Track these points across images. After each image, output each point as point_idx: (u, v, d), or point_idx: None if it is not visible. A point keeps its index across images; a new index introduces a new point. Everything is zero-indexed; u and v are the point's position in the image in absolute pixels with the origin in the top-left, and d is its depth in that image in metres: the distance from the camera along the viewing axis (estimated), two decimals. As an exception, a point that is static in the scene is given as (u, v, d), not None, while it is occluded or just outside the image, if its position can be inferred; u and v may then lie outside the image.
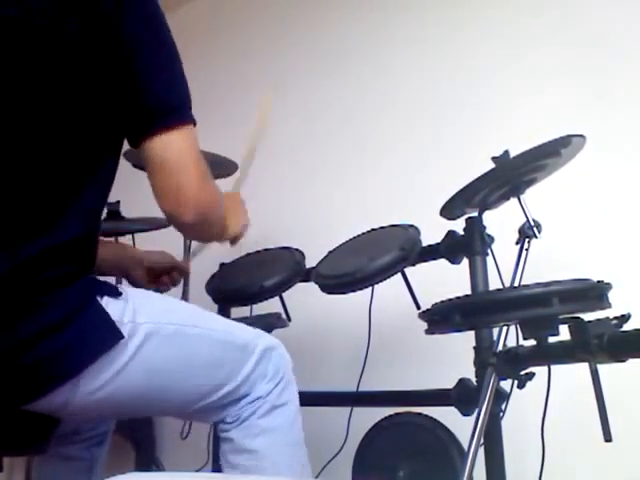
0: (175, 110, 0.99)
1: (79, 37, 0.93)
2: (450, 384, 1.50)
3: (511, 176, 1.33)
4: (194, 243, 1.69)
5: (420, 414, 1.57)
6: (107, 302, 0.94)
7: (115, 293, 0.97)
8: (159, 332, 0.98)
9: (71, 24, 0.93)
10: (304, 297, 1.82)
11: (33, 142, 0.93)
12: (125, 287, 1.01)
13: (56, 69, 0.93)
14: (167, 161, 0.97)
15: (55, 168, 0.94)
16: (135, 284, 1.42)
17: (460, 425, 1.40)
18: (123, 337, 0.93)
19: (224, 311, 1.95)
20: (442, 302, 1.21)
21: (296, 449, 1.11)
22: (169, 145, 0.97)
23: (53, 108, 0.94)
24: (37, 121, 0.94)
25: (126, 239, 1.99)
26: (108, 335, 0.92)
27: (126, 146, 1.04)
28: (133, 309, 0.97)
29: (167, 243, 1.56)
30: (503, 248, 1.49)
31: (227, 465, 1.07)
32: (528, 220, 1.35)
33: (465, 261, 1.54)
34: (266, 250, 1.91)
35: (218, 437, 1.11)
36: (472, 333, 1.44)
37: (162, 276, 1.49)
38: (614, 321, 1.05)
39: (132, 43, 0.96)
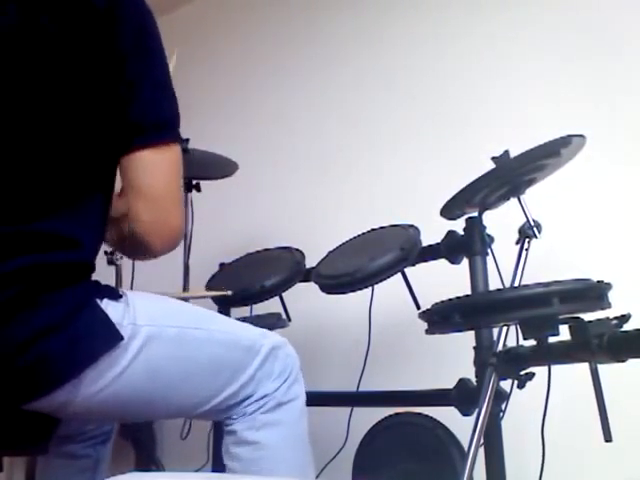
0: (160, 127, 0.96)
1: (65, 39, 0.92)
2: (450, 384, 1.50)
3: (511, 176, 1.33)
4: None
5: (420, 414, 1.57)
6: (107, 304, 0.93)
7: (115, 296, 0.96)
8: (161, 335, 0.97)
9: (52, 25, 0.92)
10: (304, 297, 1.82)
11: (31, 145, 0.93)
12: (126, 290, 1.00)
13: (48, 70, 0.92)
14: (149, 187, 0.96)
15: (54, 172, 0.94)
16: None
17: (460, 425, 1.41)
18: (123, 338, 0.92)
19: (224, 311, 1.95)
20: (442, 302, 1.21)
21: (298, 445, 1.09)
22: (151, 168, 0.95)
23: (47, 116, 0.93)
24: (35, 123, 0.93)
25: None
26: (107, 336, 0.92)
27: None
28: (134, 311, 0.96)
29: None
30: (503, 248, 1.49)
31: (227, 456, 1.06)
32: (528, 220, 1.35)
33: (465, 261, 1.54)
34: (266, 250, 1.91)
35: (218, 437, 1.09)
36: (472, 333, 1.45)
37: None
38: (614, 321, 1.04)
39: (124, 53, 0.94)
